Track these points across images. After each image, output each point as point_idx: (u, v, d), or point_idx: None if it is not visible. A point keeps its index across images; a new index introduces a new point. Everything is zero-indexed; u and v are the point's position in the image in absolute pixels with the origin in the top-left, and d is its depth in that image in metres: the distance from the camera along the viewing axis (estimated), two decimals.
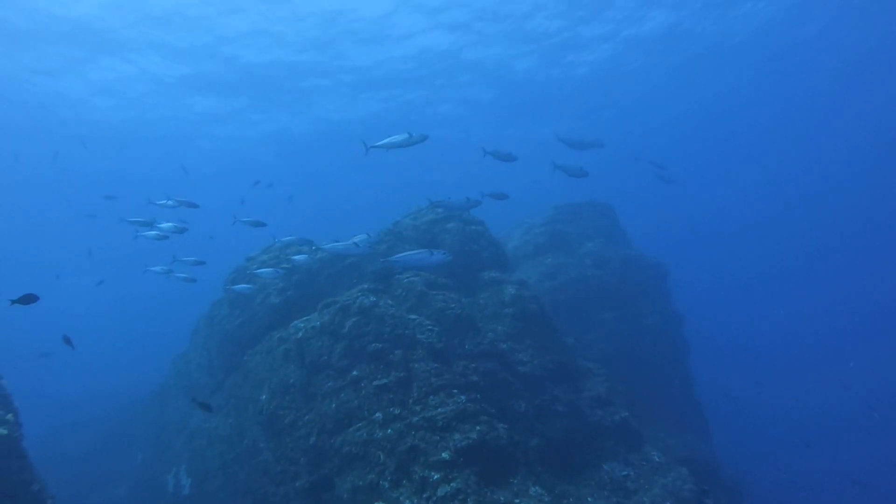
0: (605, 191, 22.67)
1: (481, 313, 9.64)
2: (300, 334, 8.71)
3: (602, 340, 13.16)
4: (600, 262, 14.61)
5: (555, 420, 8.28)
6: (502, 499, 6.18)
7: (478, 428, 6.84)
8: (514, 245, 16.11)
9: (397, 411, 7.27)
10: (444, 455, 6.48)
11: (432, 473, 6.36)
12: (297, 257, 10.33)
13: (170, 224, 10.85)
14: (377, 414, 7.33)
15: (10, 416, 6.94)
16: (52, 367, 24.38)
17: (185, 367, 14.62)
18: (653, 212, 49.20)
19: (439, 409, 7.09)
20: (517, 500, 6.22)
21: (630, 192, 42.16)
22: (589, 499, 7.15)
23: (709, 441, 13.56)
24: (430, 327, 8.43)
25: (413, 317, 8.64)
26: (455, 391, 7.48)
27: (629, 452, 8.40)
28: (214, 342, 11.92)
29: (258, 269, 10.51)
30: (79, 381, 23.10)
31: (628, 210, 21.75)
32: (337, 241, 9.62)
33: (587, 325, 13.42)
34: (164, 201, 11.10)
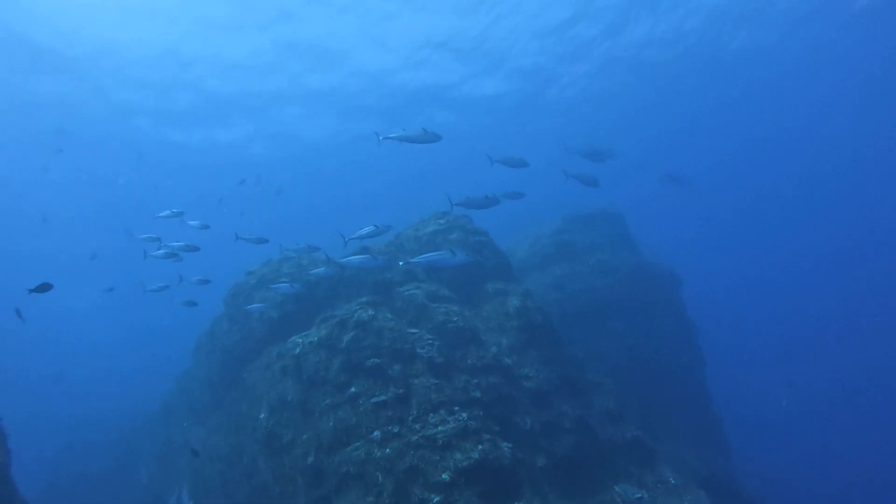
0: (615, 199, 22.16)
1: (485, 326, 9.32)
2: (298, 350, 8.46)
3: (613, 353, 12.72)
4: (610, 272, 14.22)
5: (562, 437, 7.90)
6: None
7: (480, 447, 6.49)
8: (521, 256, 15.77)
9: (396, 429, 6.97)
10: (444, 476, 6.16)
11: (432, 496, 6.04)
12: (315, 271, 9.75)
13: (180, 243, 10.32)
14: (375, 432, 7.03)
15: None
16: (62, 388, 24.36)
17: (188, 385, 14.46)
18: (665, 220, 48.22)
19: (439, 427, 6.77)
20: None
21: (642, 200, 41.28)
22: None
23: (728, 457, 12.97)
24: (430, 341, 8.14)
25: (413, 330, 8.36)
26: (456, 408, 7.16)
27: (643, 472, 7.98)
28: (215, 358, 11.74)
29: (256, 283, 10.30)
30: (88, 401, 22.98)
31: (639, 219, 21.20)
32: (343, 242, 9.14)
33: (597, 337, 12.99)
34: (166, 212, 10.80)
